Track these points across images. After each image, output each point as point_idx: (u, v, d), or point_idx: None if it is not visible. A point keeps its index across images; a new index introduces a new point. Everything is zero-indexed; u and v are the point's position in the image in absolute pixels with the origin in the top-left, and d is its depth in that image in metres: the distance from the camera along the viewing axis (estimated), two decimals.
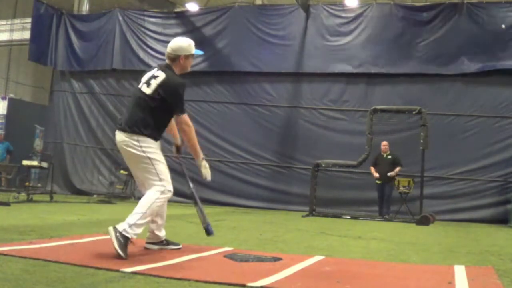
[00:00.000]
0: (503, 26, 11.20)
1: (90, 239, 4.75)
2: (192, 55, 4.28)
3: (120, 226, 3.74)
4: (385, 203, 10.88)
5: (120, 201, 12.00)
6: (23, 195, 10.49)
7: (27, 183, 11.47)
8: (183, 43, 4.25)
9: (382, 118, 11.19)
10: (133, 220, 3.78)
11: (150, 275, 3.15)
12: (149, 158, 3.96)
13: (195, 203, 4.42)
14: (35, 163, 11.59)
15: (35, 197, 10.61)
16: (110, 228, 3.73)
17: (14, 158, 13.84)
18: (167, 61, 4.24)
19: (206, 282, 3.04)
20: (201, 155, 4.24)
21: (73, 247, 4.15)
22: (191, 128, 4.15)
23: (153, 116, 4.01)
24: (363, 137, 10.87)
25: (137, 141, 3.96)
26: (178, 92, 4.06)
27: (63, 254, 3.73)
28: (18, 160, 12.08)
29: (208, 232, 4.32)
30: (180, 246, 4.42)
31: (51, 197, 10.93)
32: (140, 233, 3.88)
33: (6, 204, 8.66)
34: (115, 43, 14.15)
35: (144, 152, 3.96)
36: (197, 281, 3.05)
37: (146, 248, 4.31)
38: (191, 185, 4.47)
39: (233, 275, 3.27)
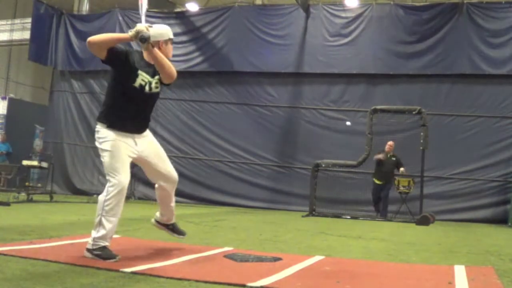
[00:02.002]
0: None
1: None
2: (170, 40, 4.00)
3: (90, 245, 3.64)
4: (383, 204, 10.86)
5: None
6: (23, 195, 10.49)
7: (26, 183, 11.47)
8: (161, 29, 3.97)
9: (382, 118, 11.19)
10: (94, 233, 3.66)
11: (150, 275, 3.15)
12: (102, 149, 3.77)
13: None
14: (35, 163, 11.58)
15: (35, 197, 10.61)
16: (86, 253, 3.64)
17: (11, 160, 13.79)
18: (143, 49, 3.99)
19: (206, 282, 3.04)
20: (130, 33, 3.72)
21: (73, 247, 4.15)
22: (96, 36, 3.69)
23: (107, 97, 3.88)
24: (363, 137, 10.87)
25: (97, 132, 3.83)
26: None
27: (63, 254, 3.73)
28: (18, 160, 12.06)
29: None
30: (184, 236, 4.47)
31: (51, 197, 10.93)
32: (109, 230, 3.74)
33: (6, 204, 8.66)
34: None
35: (100, 143, 3.79)
36: (197, 281, 3.05)
37: (153, 225, 4.43)
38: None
39: (233, 275, 3.27)
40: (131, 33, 3.69)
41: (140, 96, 3.86)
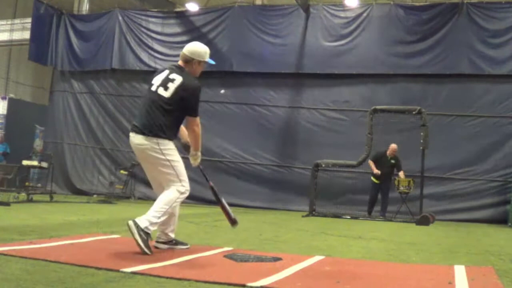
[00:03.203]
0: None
1: (90, 239, 4.74)
2: (204, 62, 4.32)
3: (142, 223, 3.84)
4: (383, 204, 10.87)
5: (120, 201, 12.00)
6: (23, 195, 10.49)
7: (27, 183, 11.46)
8: (201, 49, 4.30)
9: (382, 118, 11.18)
10: (155, 218, 3.91)
11: (150, 275, 3.15)
12: (169, 160, 4.08)
13: (218, 201, 4.49)
14: (35, 163, 11.58)
15: (35, 197, 10.60)
16: (131, 224, 3.81)
17: (11, 160, 13.79)
18: (180, 63, 4.27)
19: (206, 282, 3.04)
20: (200, 148, 4.37)
21: (73, 247, 4.15)
22: (200, 129, 4.25)
23: (171, 118, 4.12)
24: (363, 137, 10.86)
25: (157, 144, 4.07)
26: (195, 95, 4.16)
27: (63, 254, 3.73)
28: (18, 160, 12.07)
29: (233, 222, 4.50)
30: (188, 246, 4.48)
31: (51, 197, 10.93)
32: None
33: (6, 204, 8.65)
34: (115, 43, 14.15)
35: (164, 154, 4.08)
36: (197, 281, 3.05)
37: (155, 247, 4.35)
38: (210, 183, 4.58)
39: (233, 275, 3.27)
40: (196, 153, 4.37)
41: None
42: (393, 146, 10.87)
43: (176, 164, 4.11)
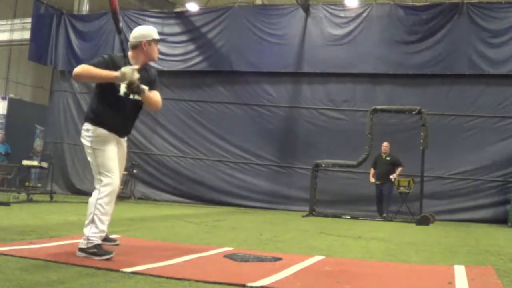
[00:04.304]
0: None
1: None
2: (155, 41, 3.96)
3: (82, 244, 3.65)
4: (385, 203, 10.89)
5: (119, 201, 11.98)
6: (23, 195, 10.49)
7: (27, 183, 11.46)
8: (144, 30, 4.00)
9: (382, 118, 11.19)
10: (87, 232, 3.66)
11: (150, 275, 3.16)
12: (92, 148, 3.81)
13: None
14: (35, 163, 11.58)
15: (35, 197, 10.61)
16: (78, 254, 3.63)
17: (11, 160, 13.81)
18: (129, 53, 3.97)
19: (206, 282, 3.04)
20: (115, 73, 3.64)
21: (73, 247, 4.14)
22: (81, 69, 3.64)
23: (95, 99, 3.89)
24: (363, 137, 10.87)
25: (86, 130, 3.86)
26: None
27: (63, 254, 3.73)
28: (18, 160, 12.08)
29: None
30: (118, 243, 4.29)
31: (51, 197, 10.93)
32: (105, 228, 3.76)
33: (6, 204, 8.66)
34: (115, 43, 14.12)
35: (89, 141, 3.83)
36: (197, 281, 3.05)
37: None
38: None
39: (233, 275, 3.27)
40: (119, 75, 3.61)
41: (126, 103, 3.89)
42: (385, 143, 10.96)
43: (99, 154, 3.77)
